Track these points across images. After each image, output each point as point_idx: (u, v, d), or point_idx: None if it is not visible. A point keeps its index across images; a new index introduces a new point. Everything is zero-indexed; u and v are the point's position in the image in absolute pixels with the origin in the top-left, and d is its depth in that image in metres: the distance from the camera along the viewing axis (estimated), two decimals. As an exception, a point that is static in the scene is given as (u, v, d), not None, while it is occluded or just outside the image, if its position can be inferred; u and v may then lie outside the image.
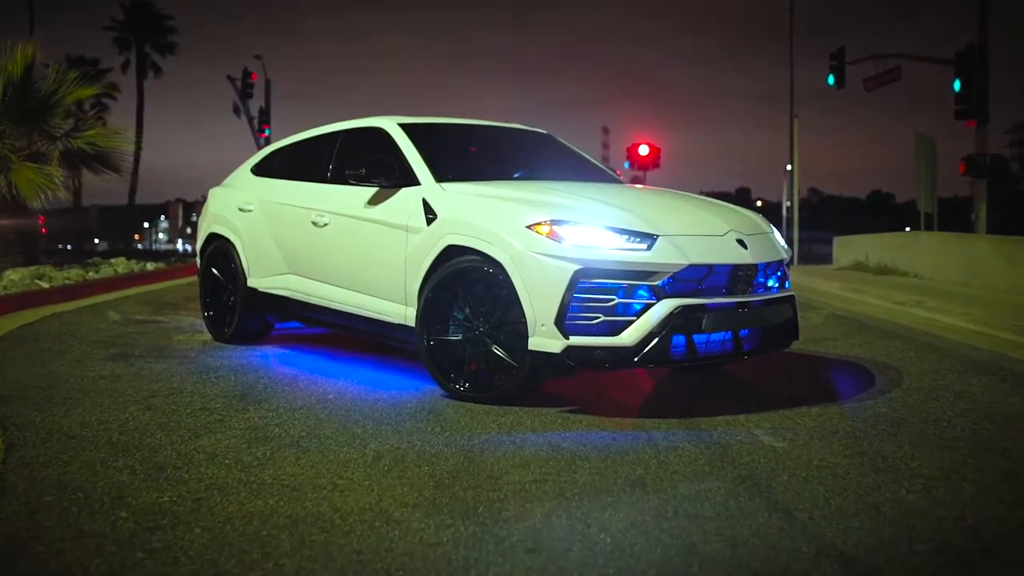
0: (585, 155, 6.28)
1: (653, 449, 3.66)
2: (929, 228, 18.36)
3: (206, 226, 6.93)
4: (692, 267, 4.27)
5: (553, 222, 4.30)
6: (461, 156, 5.65)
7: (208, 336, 6.88)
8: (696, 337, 4.31)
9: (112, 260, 14.27)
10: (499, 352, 4.47)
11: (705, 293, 4.35)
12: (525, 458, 3.51)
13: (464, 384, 4.57)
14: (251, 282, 6.37)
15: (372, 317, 5.25)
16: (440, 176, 5.05)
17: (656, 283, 4.20)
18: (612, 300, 4.16)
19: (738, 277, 4.47)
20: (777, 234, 5.02)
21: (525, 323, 4.29)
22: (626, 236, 4.27)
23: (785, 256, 4.87)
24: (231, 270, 6.56)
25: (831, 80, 25.80)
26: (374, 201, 5.25)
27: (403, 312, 4.96)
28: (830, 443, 3.79)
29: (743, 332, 4.52)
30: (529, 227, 4.33)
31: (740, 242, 4.53)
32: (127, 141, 12.21)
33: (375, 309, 5.21)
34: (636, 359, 4.16)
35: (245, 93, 34.40)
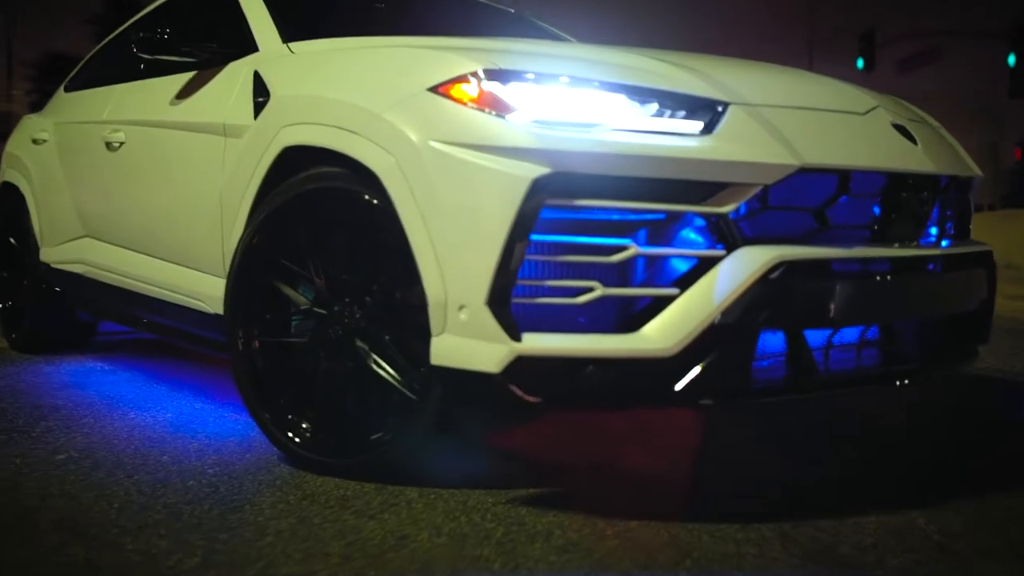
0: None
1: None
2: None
3: None
4: (804, 174, 1.87)
5: (489, 74, 1.90)
6: (344, 15, 3.21)
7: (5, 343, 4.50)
8: (811, 336, 1.92)
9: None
10: (382, 370, 2.08)
11: (832, 235, 1.96)
12: None
13: (309, 434, 2.18)
14: (44, 254, 3.98)
15: (179, 304, 2.85)
16: (292, 35, 2.67)
17: (724, 210, 1.80)
18: (623, 249, 1.77)
19: (900, 203, 2.06)
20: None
21: (421, 304, 1.90)
22: (655, 101, 1.87)
23: (978, 174, 2.46)
24: (27, 238, 4.19)
25: (860, 63, 23.78)
26: (185, 92, 2.87)
27: (222, 292, 2.55)
28: None
29: (899, 325, 2.13)
30: (436, 90, 1.94)
31: (900, 130, 2.12)
32: None
33: (182, 289, 2.82)
34: (679, 387, 1.77)
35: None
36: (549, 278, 1.80)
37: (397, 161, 1.94)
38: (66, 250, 3.76)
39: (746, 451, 2.50)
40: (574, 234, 1.79)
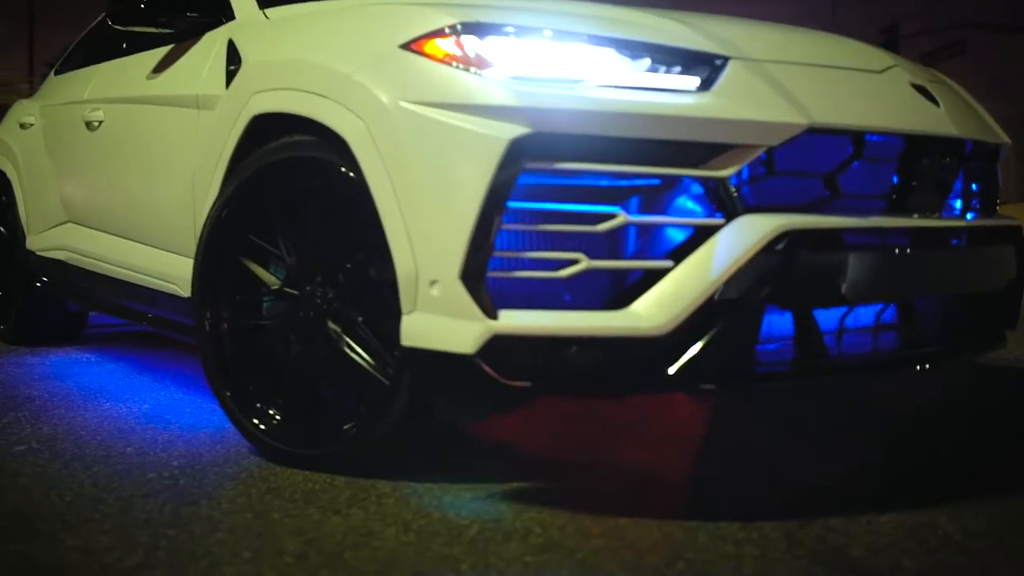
0: None
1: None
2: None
3: (-11, 160, 4.43)
4: (813, 135, 1.69)
5: (467, 28, 1.74)
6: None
7: (-4, 334, 4.38)
8: (821, 317, 1.75)
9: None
10: (356, 355, 1.93)
11: (844, 204, 1.78)
12: None
13: (278, 423, 2.03)
14: (30, 242, 3.86)
15: (154, 288, 2.71)
16: (271, 1, 2.52)
17: (724, 174, 1.63)
18: (611, 218, 1.61)
19: (920, 170, 1.87)
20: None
21: (396, 282, 1.74)
22: (647, 56, 1.70)
23: (1005, 140, 2.26)
24: (15, 226, 4.07)
25: (883, 57, 23.40)
26: (162, 65, 2.73)
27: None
28: None
29: (919, 307, 1.95)
30: (409, 47, 1.78)
31: (920, 90, 1.94)
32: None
33: (157, 272, 2.68)
34: (673, 370, 1.60)
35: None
36: (529, 249, 1.63)
37: (367, 125, 1.78)
38: (50, 237, 3.63)
39: (750, 443, 2.32)
40: (557, 201, 1.62)
